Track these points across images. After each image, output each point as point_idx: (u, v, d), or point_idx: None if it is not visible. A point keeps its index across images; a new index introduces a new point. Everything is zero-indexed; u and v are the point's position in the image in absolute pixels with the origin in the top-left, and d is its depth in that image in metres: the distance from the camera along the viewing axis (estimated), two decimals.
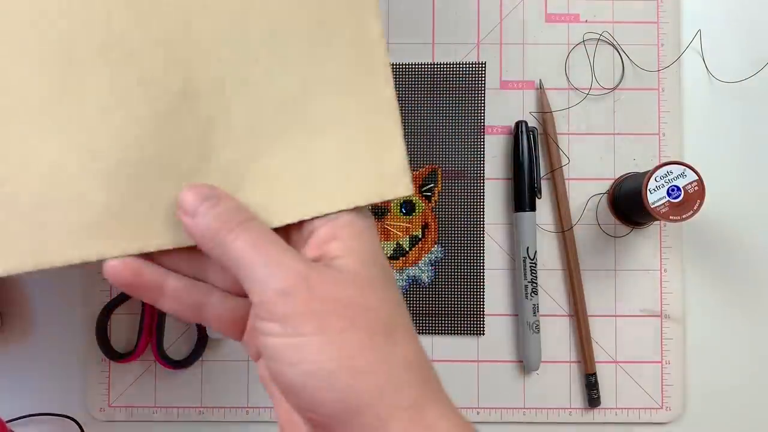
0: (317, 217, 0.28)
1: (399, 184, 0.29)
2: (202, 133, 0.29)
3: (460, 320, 0.51)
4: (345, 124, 0.29)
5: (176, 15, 0.29)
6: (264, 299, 0.25)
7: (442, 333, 0.51)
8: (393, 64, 0.52)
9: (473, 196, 0.51)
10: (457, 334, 0.51)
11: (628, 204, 0.49)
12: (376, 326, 0.26)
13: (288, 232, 0.30)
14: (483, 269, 0.51)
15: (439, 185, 0.51)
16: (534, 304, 0.50)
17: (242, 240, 0.26)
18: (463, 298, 0.51)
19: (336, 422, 0.25)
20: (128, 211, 0.28)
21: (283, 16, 0.29)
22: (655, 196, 0.45)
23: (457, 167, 0.51)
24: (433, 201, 0.51)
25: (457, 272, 0.51)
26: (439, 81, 0.52)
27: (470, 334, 0.51)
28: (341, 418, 0.24)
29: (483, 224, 0.51)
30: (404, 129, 0.51)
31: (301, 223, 0.29)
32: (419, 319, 0.51)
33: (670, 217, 0.45)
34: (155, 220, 0.28)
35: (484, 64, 0.52)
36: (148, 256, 0.28)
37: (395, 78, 0.51)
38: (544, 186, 0.51)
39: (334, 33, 0.29)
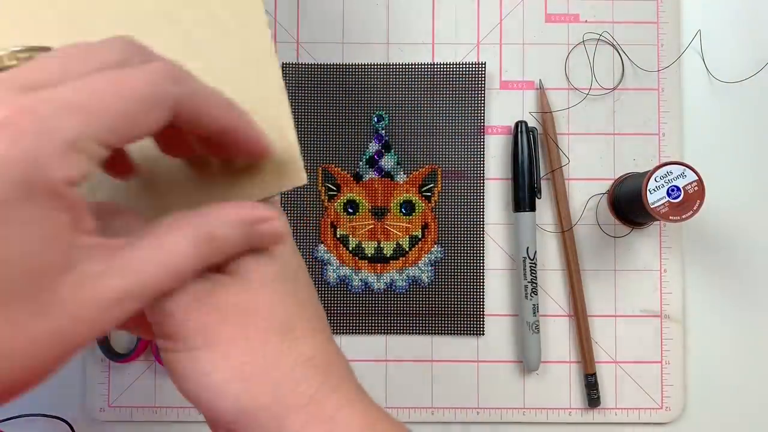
0: None
1: (294, 175, 0.29)
2: None
3: (460, 320, 0.51)
4: None
5: (67, 17, 0.29)
6: (155, 320, 0.25)
7: (442, 333, 0.51)
8: (393, 65, 0.52)
9: (473, 196, 0.51)
10: (457, 334, 0.51)
11: (628, 204, 0.49)
12: (269, 329, 0.26)
13: None
14: (483, 269, 0.51)
15: (439, 185, 0.51)
16: (534, 304, 0.50)
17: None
18: (463, 298, 0.51)
19: (238, 427, 0.25)
20: None
21: (171, 16, 0.29)
22: (655, 196, 0.45)
23: (457, 167, 0.51)
24: (433, 201, 0.51)
25: (457, 272, 0.51)
26: (439, 81, 0.52)
27: (470, 334, 0.51)
28: (241, 422, 0.25)
29: (483, 224, 0.51)
30: (404, 129, 0.52)
31: None
32: (419, 319, 0.51)
33: (670, 217, 0.45)
34: None
35: (484, 64, 0.52)
36: None
37: (397, 77, 0.52)
38: (544, 186, 0.52)
39: (219, 28, 0.29)
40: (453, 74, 0.52)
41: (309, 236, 0.51)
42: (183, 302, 0.25)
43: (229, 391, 0.25)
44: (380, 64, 0.52)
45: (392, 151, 0.51)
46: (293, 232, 0.50)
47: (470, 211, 0.51)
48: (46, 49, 0.24)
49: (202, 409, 0.25)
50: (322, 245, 0.51)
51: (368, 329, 0.51)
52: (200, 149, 0.27)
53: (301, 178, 0.29)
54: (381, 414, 0.27)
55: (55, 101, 0.20)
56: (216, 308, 0.25)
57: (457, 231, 0.51)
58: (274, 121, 0.29)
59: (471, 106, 0.52)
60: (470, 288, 0.51)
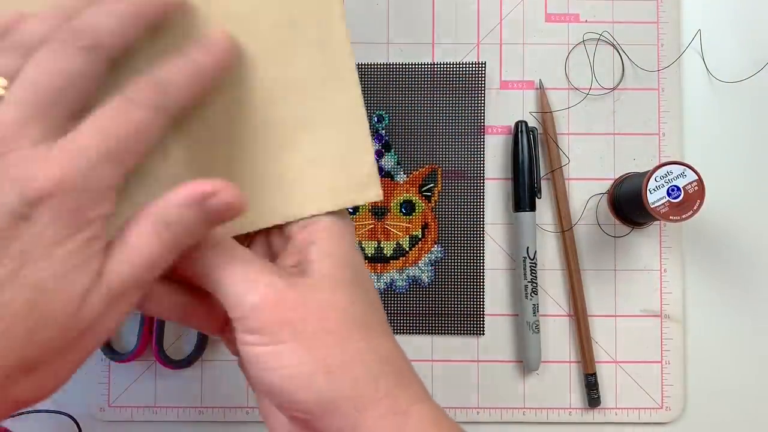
0: (296, 222, 0.30)
1: (369, 190, 0.30)
2: (175, 138, 0.28)
3: (460, 320, 0.51)
4: (315, 128, 0.29)
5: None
6: (238, 316, 0.27)
7: (442, 333, 0.51)
8: (393, 64, 0.52)
9: (473, 196, 0.51)
10: (457, 334, 0.51)
11: (628, 204, 0.49)
12: (348, 325, 0.27)
13: (269, 237, 0.31)
14: (483, 269, 0.51)
15: (439, 185, 0.51)
16: (534, 304, 0.50)
17: (209, 262, 0.27)
18: (463, 298, 0.51)
19: (316, 417, 0.26)
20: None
21: (249, 21, 0.29)
22: (655, 196, 0.45)
23: (457, 167, 0.51)
24: (433, 201, 0.51)
25: (457, 272, 0.51)
26: (439, 81, 0.52)
27: (470, 334, 0.51)
28: (321, 413, 0.26)
29: (483, 224, 0.51)
30: (404, 129, 0.52)
31: (281, 227, 0.30)
32: (419, 319, 0.51)
33: (670, 217, 0.45)
34: None
35: (484, 64, 0.52)
36: None
37: (397, 77, 0.52)
38: (544, 186, 0.52)
39: (298, 37, 0.29)
40: (453, 74, 0.52)
41: None
42: (270, 299, 0.26)
43: (314, 383, 0.26)
44: (380, 64, 0.52)
45: (392, 151, 0.51)
46: None
47: (470, 211, 0.51)
48: None
49: (281, 397, 0.27)
50: None
51: None
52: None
53: (377, 195, 0.30)
54: (444, 413, 0.29)
55: (94, 153, 0.24)
56: (301, 305, 0.27)
57: (457, 231, 0.51)
58: (353, 136, 0.29)
59: (471, 106, 0.52)
60: (470, 288, 0.51)
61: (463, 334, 0.51)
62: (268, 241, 0.31)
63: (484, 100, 0.52)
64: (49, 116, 0.24)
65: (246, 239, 0.31)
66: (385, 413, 0.26)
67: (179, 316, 0.30)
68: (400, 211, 0.51)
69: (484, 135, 0.52)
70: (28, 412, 0.49)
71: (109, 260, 0.24)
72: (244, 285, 0.27)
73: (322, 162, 0.29)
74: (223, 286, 0.27)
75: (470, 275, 0.51)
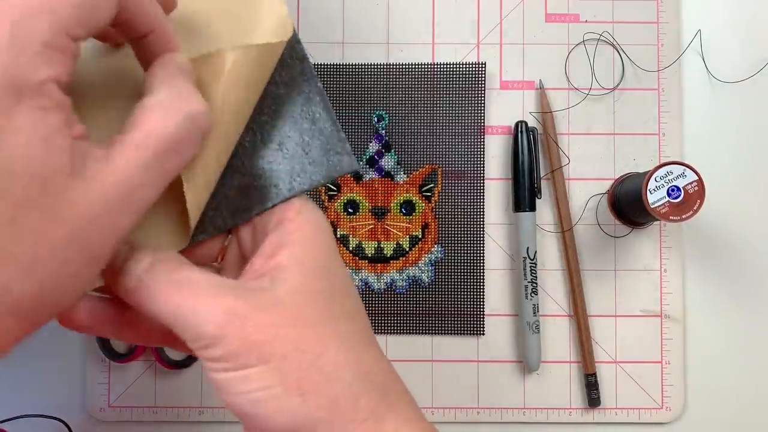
0: (266, 215, 0.28)
1: (286, 28, 0.29)
2: None
3: (460, 320, 0.51)
4: None
5: None
6: (199, 347, 0.25)
7: (442, 333, 0.51)
8: (393, 65, 0.52)
9: (473, 196, 0.51)
10: (457, 334, 0.51)
11: (628, 204, 0.49)
12: (324, 341, 0.25)
13: (239, 235, 0.29)
14: (483, 269, 0.51)
15: (439, 185, 0.51)
16: (534, 304, 0.50)
17: (153, 295, 0.25)
18: (463, 298, 0.51)
19: None
20: None
21: None
22: (655, 196, 0.45)
23: (457, 167, 0.51)
24: (433, 201, 0.51)
25: (457, 272, 0.51)
26: (439, 81, 0.52)
27: (470, 334, 0.51)
28: None
29: (483, 224, 0.51)
30: (404, 129, 0.52)
31: (254, 230, 0.28)
32: (419, 319, 0.51)
33: (670, 217, 0.45)
34: None
35: (484, 64, 0.52)
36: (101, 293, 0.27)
37: (397, 77, 0.52)
38: (544, 186, 0.52)
39: None
40: (453, 74, 0.52)
41: None
42: (232, 325, 0.24)
43: (286, 406, 0.24)
44: (380, 64, 0.52)
45: (392, 151, 0.51)
46: None
47: (470, 211, 0.51)
48: None
49: (254, 422, 0.25)
50: None
51: None
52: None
53: (289, 32, 0.28)
54: None
55: (18, 8, 0.20)
56: (267, 324, 0.25)
57: (457, 231, 0.51)
58: None
59: (471, 106, 0.52)
60: (470, 288, 0.51)
61: (463, 334, 0.51)
62: (239, 241, 0.29)
63: (484, 100, 0.52)
64: None
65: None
66: None
67: (163, 341, 0.28)
68: (400, 211, 0.51)
69: (484, 135, 0.52)
70: (20, 417, 0.49)
71: (122, 154, 0.22)
72: (197, 316, 0.24)
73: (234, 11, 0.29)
74: (174, 321, 0.24)
75: (470, 275, 0.51)
